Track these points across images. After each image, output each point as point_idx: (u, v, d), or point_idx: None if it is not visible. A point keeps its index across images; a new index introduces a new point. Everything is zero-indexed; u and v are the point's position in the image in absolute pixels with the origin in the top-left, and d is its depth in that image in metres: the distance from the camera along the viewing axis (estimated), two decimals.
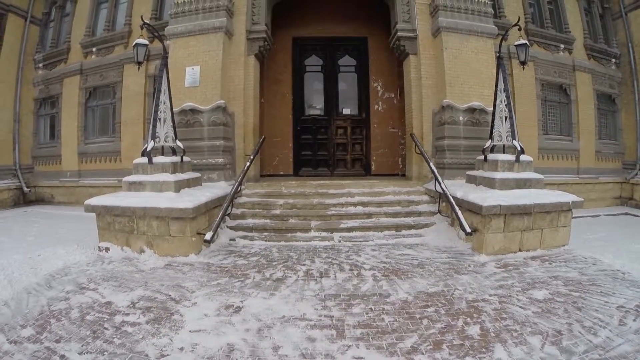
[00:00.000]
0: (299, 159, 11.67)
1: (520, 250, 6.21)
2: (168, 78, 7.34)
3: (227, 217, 7.40)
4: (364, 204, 8.07)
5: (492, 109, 7.62)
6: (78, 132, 12.56)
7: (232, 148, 9.16)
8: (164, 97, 7.18)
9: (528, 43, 8.11)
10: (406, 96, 9.89)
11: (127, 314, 3.93)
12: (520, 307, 4.02)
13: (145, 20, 7.28)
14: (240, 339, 3.41)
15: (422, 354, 3.15)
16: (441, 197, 7.44)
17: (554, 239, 6.47)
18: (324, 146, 11.66)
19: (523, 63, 7.84)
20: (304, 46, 11.87)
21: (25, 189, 13.27)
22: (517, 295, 4.36)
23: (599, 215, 10.54)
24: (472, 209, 6.43)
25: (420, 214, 7.86)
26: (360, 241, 6.91)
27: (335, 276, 5.06)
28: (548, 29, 12.06)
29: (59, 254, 6.07)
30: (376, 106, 11.64)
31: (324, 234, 7.18)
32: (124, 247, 6.27)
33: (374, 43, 11.65)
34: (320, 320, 3.79)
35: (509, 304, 4.09)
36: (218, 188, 7.79)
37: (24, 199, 13.29)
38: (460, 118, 8.67)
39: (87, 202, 6.56)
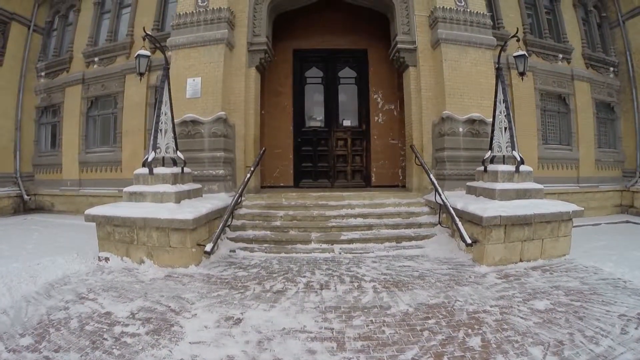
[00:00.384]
0: (300, 171, 11.68)
1: (521, 260, 6.20)
2: (169, 89, 7.38)
3: (227, 229, 7.39)
4: (364, 216, 8.08)
5: (491, 119, 7.64)
6: (79, 141, 12.61)
7: (232, 159, 9.18)
8: (165, 108, 7.23)
9: (527, 54, 8.19)
10: (406, 108, 9.94)
11: (127, 325, 3.91)
12: (522, 317, 4.01)
13: (147, 32, 7.38)
14: (240, 351, 3.39)
15: None
16: (441, 208, 7.44)
17: (555, 249, 6.47)
18: (324, 158, 11.68)
19: (522, 74, 7.90)
20: (305, 58, 11.94)
21: (25, 196, 13.28)
22: (518, 305, 4.34)
23: (600, 224, 10.51)
24: (472, 220, 6.43)
25: (420, 225, 7.85)
26: (360, 253, 6.88)
27: (335, 288, 5.04)
28: (546, 39, 12.17)
29: (58, 263, 6.06)
30: (376, 118, 11.68)
31: (324, 245, 7.16)
32: (123, 257, 6.26)
33: (373, 55, 11.72)
34: (321, 332, 3.77)
35: (510, 315, 4.07)
36: (218, 199, 7.78)
37: (24, 206, 13.29)
38: (460, 129, 8.69)
39: (87, 211, 6.57)
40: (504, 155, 7.35)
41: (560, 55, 12.26)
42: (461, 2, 9.28)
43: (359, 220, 7.93)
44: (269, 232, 7.62)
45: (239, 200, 7.91)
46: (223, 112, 8.76)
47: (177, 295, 4.81)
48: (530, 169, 7.29)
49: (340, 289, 5.01)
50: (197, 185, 7.84)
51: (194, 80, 8.91)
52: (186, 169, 7.58)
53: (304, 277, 5.55)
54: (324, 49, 11.73)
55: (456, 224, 6.55)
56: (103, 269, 5.99)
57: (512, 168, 7.10)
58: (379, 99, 11.72)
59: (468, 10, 9.22)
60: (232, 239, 7.36)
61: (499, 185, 6.90)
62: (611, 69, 13.33)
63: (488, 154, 7.50)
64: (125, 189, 6.98)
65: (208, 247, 6.06)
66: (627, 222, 11.13)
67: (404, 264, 6.23)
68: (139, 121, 11.54)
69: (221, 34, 8.96)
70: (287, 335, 3.69)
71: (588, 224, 9.98)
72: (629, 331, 3.64)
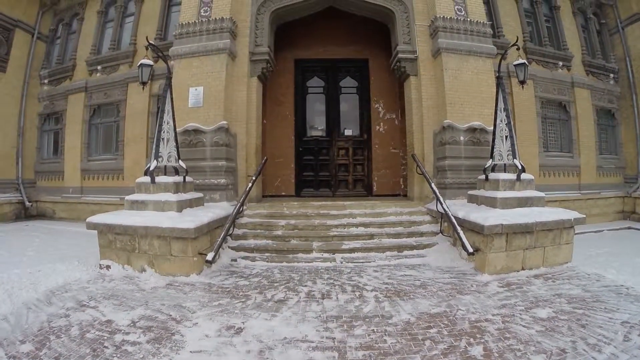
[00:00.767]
0: (301, 180, 11.69)
1: (523, 268, 6.19)
2: (172, 98, 7.44)
3: (228, 238, 7.39)
4: (365, 225, 8.08)
5: (492, 128, 7.68)
6: (81, 148, 12.66)
7: (234, 169, 9.18)
8: (167, 117, 7.27)
9: (527, 62, 8.23)
10: (407, 117, 9.97)
11: (128, 333, 3.90)
12: (524, 326, 3.99)
13: (150, 41, 7.42)
14: None
15: None
16: (443, 217, 7.44)
17: (557, 257, 6.47)
18: (325, 167, 11.70)
19: (522, 82, 7.91)
20: (306, 68, 12.01)
21: (27, 203, 13.30)
22: (521, 314, 4.33)
23: (602, 231, 10.50)
24: (474, 228, 6.43)
25: (422, 234, 7.84)
26: (362, 262, 6.86)
27: (337, 297, 5.02)
28: (546, 47, 12.23)
29: (59, 270, 6.08)
30: (377, 127, 11.72)
31: (325, 254, 7.15)
32: (125, 265, 6.28)
33: (374, 64, 11.79)
34: (322, 342, 3.75)
35: (512, 324, 4.06)
36: (220, 208, 7.78)
37: (25, 213, 13.31)
38: (461, 138, 8.69)
39: (89, 219, 6.59)
40: (505, 164, 7.36)
41: (560, 63, 12.32)
42: (461, 12, 9.34)
43: (361, 230, 7.94)
44: (270, 241, 7.61)
45: (241, 209, 7.93)
46: (225, 122, 8.79)
47: (178, 304, 4.80)
48: (532, 176, 7.31)
49: (341, 298, 4.99)
50: (199, 194, 7.86)
51: (196, 89, 8.95)
52: (188, 178, 7.60)
53: (306, 286, 5.54)
54: (326, 58, 11.82)
55: (458, 233, 6.55)
56: (104, 277, 5.99)
57: (513, 176, 7.12)
58: (380, 108, 11.77)
59: (468, 19, 9.28)
60: (233, 248, 7.35)
61: (500, 194, 6.91)
62: (611, 75, 13.39)
63: (489, 163, 7.51)
64: (127, 197, 7.02)
65: (209, 256, 6.05)
66: (630, 228, 11.12)
67: (406, 273, 6.21)
68: (141, 129, 11.58)
69: (223, 43, 9.02)
70: (288, 345, 3.67)
71: (590, 231, 9.97)
72: (631, 338, 3.63)
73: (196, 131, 8.73)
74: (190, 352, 3.53)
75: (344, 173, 11.73)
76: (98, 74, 12.73)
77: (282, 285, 5.57)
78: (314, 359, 3.40)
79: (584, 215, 6.84)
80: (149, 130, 11.39)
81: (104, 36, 13.14)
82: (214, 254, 6.14)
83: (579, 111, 12.32)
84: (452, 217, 6.93)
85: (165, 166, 7.27)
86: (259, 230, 7.98)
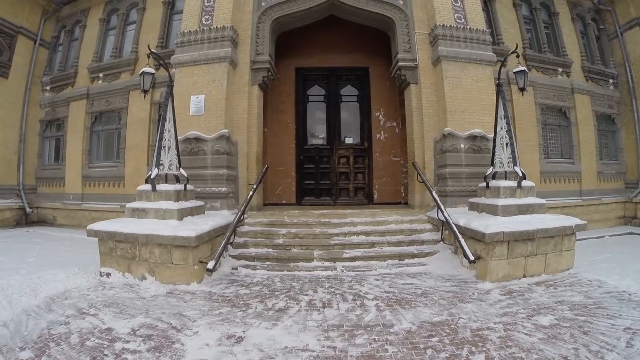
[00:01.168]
0: (302, 188, 11.68)
1: (524, 276, 6.18)
2: (173, 106, 7.47)
3: (229, 246, 7.38)
4: (366, 233, 8.07)
5: (492, 135, 7.70)
6: (82, 155, 12.68)
7: (235, 177, 9.20)
8: (168, 125, 7.30)
9: (526, 69, 8.26)
10: (407, 125, 9.98)
11: (128, 341, 3.89)
12: (526, 334, 3.98)
13: (152, 49, 7.46)
14: None
15: None
16: (444, 225, 7.43)
17: (559, 263, 6.46)
18: (326, 175, 11.69)
19: (522, 89, 7.92)
20: (307, 76, 12.05)
21: (27, 209, 13.30)
22: (523, 322, 4.31)
23: (604, 236, 10.45)
24: (475, 236, 6.42)
25: (423, 242, 7.82)
26: (363, 271, 6.83)
27: (338, 306, 5.00)
28: (546, 54, 12.30)
29: (59, 277, 6.07)
30: (378, 135, 11.73)
31: (326, 263, 7.12)
32: (125, 273, 6.27)
33: (375, 73, 11.83)
34: (323, 351, 3.74)
35: (514, 331, 4.04)
36: (221, 217, 7.77)
37: (26, 219, 13.30)
38: (462, 146, 8.70)
39: (89, 226, 6.60)
40: (505, 171, 7.37)
41: (560, 69, 12.37)
42: (461, 19, 9.40)
43: (362, 238, 7.92)
44: (271, 250, 7.60)
45: (242, 217, 7.94)
46: (226, 130, 8.81)
47: (178, 312, 4.79)
48: (532, 184, 7.32)
49: (342, 307, 4.97)
50: (200, 203, 7.86)
51: (197, 97, 8.99)
52: (189, 186, 7.61)
53: (306, 295, 5.51)
54: (326, 67, 11.86)
55: (459, 241, 6.54)
56: (104, 285, 6.00)
57: (514, 184, 7.13)
58: (380, 116, 11.79)
59: (468, 27, 9.33)
60: (234, 257, 7.34)
61: (501, 201, 6.91)
62: (611, 80, 13.44)
63: (490, 170, 7.52)
64: (128, 205, 7.03)
65: (210, 265, 6.04)
66: (631, 233, 11.09)
67: (407, 281, 6.18)
68: (142, 137, 11.60)
69: (224, 52, 9.08)
70: (289, 354, 3.66)
71: (592, 237, 9.93)
72: (634, 344, 3.63)
73: (197, 139, 8.75)
74: None
75: (344, 181, 11.72)
76: (100, 82, 12.78)
77: (283, 294, 5.55)
78: None
79: (585, 222, 6.85)
80: (150, 138, 11.41)
81: (106, 44, 13.22)
82: (214, 262, 6.13)
83: (579, 117, 12.34)
84: (453, 225, 6.92)
85: (167, 174, 7.29)
86: (259, 239, 7.96)
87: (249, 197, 8.30)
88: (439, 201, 7.73)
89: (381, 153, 11.67)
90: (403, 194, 11.26)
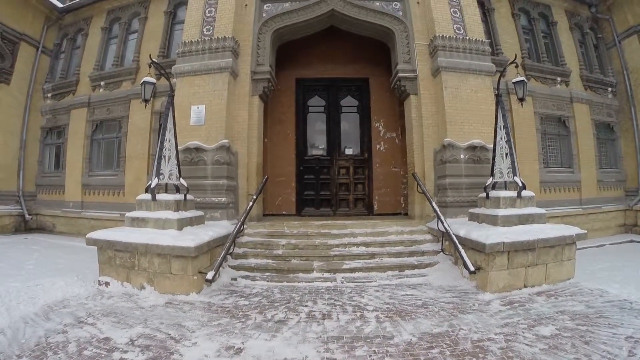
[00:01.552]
0: (302, 199, 11.67)
1: (525, 286, 6.16)
2: (174, 116, 7.50)
3: (229, 257, 7.36)
4: (366, 244, 8.03)
5: (492, 146, 7.70)
6: (83, 163, 12.68)
7: (235, 187, 9.19)
8: (169, 135, 7.32)
9: (525, 79, 8.27)
10: (407, 136, 10.01)
11: (126, 352, 3.87)
12: (527, 344, 3.96)
13: (153, 58, 7.51)
14: None
15: None
16: (444, 235, 7.42)
17: (559, 273, 6.45)
18: (326, 186, 11.69)
19: (521, 100, 7.91)
20: (307, 87, 12.11)
21: (27, 216, 13.26)
22: (523, 332, 4.29)
23: (604, 245, 10.42)
24: (475, 247, 6.41)
25: (423, 253, 7.79)
26: (363, 282, 6.80)
27: (337, 318, 4.97)
28: (544, 63, 12.36)
29: (58, 285, 6.05)
30: (378, 146, 11.74)
31: (326, 274, 7.08)
32: (124, 282, 6.26)
33: (375, 83, 11.88)
34: None
35: (515, 342, 4.02)
36: (220, 227, 7.77)
37: (25, 226, 13.26)
38: (461, 156, 8.71)
39: (89, 235, 6.60)
40: (505, 181, 7.37)
41: (559, 79, 12.43)
42: (460, 30, 9.47)
43: (362, 249, 7.88)
44: (270, 261, 7.57)
45: (241, 228, 7.92)
46: (226, 140, 8.83)
47: (177, 322, 4.76)
48: (532, 193, 7.33)
49: (342, 318, 4.94)
50: (200, 213, 7.85)
51: (198, 107, 9.02)
52: (189, 196, 7.61)
53: (306, 306, 5.48)
54: (326, 77, 11.91)
55: (459, 252, 6.52)
56: (103, 294, 5.98)
57: (514, 194, 7.13)
58: (380, 127, 11.82)
59: (467, 37, 9.41)
60: (233, 267, 7.31)
61: (501, 212, 6.91)
62: (609, 89, 13.50)
63: (490, 180, 7.51)
64: (128, 214, 7.04)
65: (209, 275, 6.02)
66: (632, 241, 11.06)
67: (407, 292, 6.15)
68: (142, 146, 11.61)
69: (225, 62, 9.13)
70: None
71: (592, 246, 9.92)
72: (636, 353, 3.62)
73: (197, 149, 8.77)
74: None
75: (344, 192, 11.72)
76: (101, 90, 12.84)
77: (283, 305, 5.52)
78: None
79: (585, 231, 6.87)
80: (150, 147, 11.42)
81: (108, 52, 13.32)
82: (214, 273, 6.12)
83: (579, 126, 12.38)
84: (453, 236, 6.91)
85: (167, 184, 7.30)
86: (259, 250, 7.93)
87: (248, 207, 8.29)
88: (439, 212, 7.71)
89: (381, 164, 11.67)
90: (403, 205, 11.25)
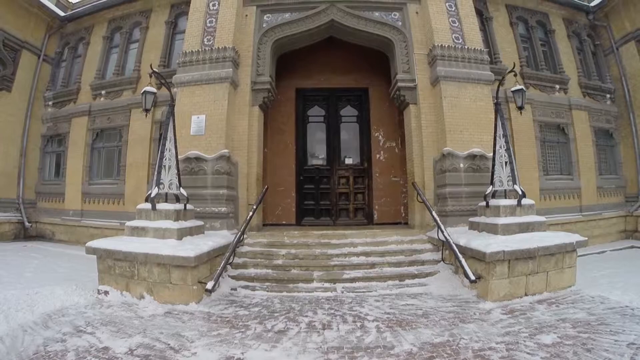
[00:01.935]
0: (302, 209, 11.67)
1: (526, 294, 6.13)
2: (174, 126, 7.52)
3: (228, 266, 7.34)
4: (366, 254, 7.99)
5: (492, 154, 7.72)
6: (83, 172, 12.70)
7: (235, 197, 9.19)
8: (169, 144, 7.34)
9: (524, 87, 8.35)
10: (407, 145, 10.03)
11: None
12: (528, 353, 3.93)
13: (154, 68, 7.56)
14: None
15: None
16: (444, 245, 7.40)
17: (560, 281, 6.43)
18: (326, 196, 11.69)
19: (520, 108, 7.94)
20: (307, 97, 12.17)
21: (26, 223, 13.24)
22: (525, 341, 4.26)
23: (605, 251, 10.40)
24: (475, 256, 6.39)
25: (423, 262, 7.76)
26: (363, 292, 6.77)
27: (338, 328, 4.94)
28: (543, 71, 12.43)
29: (57, 294, 6.02)
30: (378, 155, 11.76)
31: (326, 284, 7.05)
32: (123, 291, 6.24)
33: (374, 93, 11.94)
34: None
35: (517, 351, 3.99)
36: (220, 237, 7.77)
37: (24, 233, 13.24)
38: (461, 165, 8.71)
39: (88, 244, 6.60)
40: (505, 189, 7.37)
41: (557, 86, 12.49)
42: (459, 40, 9.54)
43: (362, 259, 7.84)
44: (270, 271, 7.54)
45: (241, 238, 7.89)
46: (226, 150, 8.85)
47: (176, 332, 4.73)
48: (532, 202, 7.33)
49: (342, 328, 4.91)
50: (200, 222, 7.85)
51: (198, 117, 9.05)
52: (189, 206, 7.60)
53: (306, 316, 5.45)
54: (326, 87, 11.97)
55: (459, 261, 6.50)
56: (102, 303, 5.96)
57: (513, 202, 7.13)
58: (380, 136, 11.84)
59: (466, 47, 9.47)
60: (233, 277, 7.27)
61: (502, 220, 6.91)
62: (608, 95, 13.55)
63: (489, 189, 7.52)
64: (128, 224, 7.05)
65: (209, 285, 6.00)
66: (632, 247, 11.06)
67: (408, 302, 6.12)
68: (143, 155, 11.64)
69: (226, 72, 9.18)
70: None
71: (593, 252, 9.89)
72: (638, 359, 3.57)
73: (198, 159, 8.78)
74: None
75: (344, 202, 11.72)
76: (102, 99, 12.90)
77: (283, 316, 5.49)
78: None
79: (586, 238, 6.86)
80: (150, 156, 11.45)
81: (109, 61, 13.40)
82: (214, 282, 6.10)
83: (578, 133, 12.42)
84: (454, 245, 6.89)
85: (167, 193, 7.30)
86: (259, 259, 7.91)
87: (248, 217, 8.28)
88: (439, 221, 7.70)
89: (381, 173, 11.68)
90: (403, 214, 11.24)
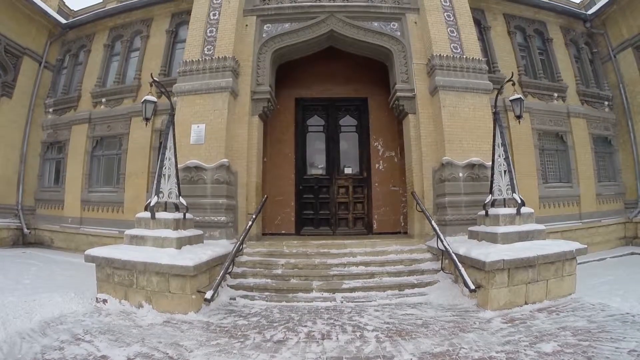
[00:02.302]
0: (301, 218, 11.67)
1: (526, 303, 6.12)
2: (174, 135, 7.53)
3: (228, 276, 7.32)
4: (366, 264, 7.97)
5: (491, 163, 7.74)
6: (82, 179, 12.70)
7: (234, 206, 9.18)
8: (169, 153, 7.35)
9: (522, 96, 8.38)
10: (406, 154, 10.05)
11: None
12: None
13: (154, 77, 7.56)
14: None
15: None
16: (444, 254, 7.39)
17: (560, 289, 6.42)
18: (325, 205, 11.70)
19: (519, 117, 7.97)
20: (307, 106, 12.22)
21: (25, 230, 13.21)
22: (525, 350, 4.25)
23: (605, 258, 10.40)
24: (475, 265, 6.38)
25: (423, 272, 7.74)
26: (362, 301, 6.74)
27: (337, 338, 4.91)
28: (541, 79, 12.52)
29: (55, 301, 6.01)
30: (377, 165, 11.79)
31: (325, 294, 7.03)
32: (122, 300, 6.21)
33: (374, 103, 12.00)
34: None
35: None
36: (220, 246, 7.76)
37: (23, 240, 13.20)
38: (460, 174, 8.72)
39: (87, 252, 6.59)
40: (504, 198, 7.38)
41: (556, 94, 12.58)
42: (457, 49, 9.60)
43: (361, 269, 7.83)
44: (269, 280, 7.51)
45: (240, 247, 7.88)
46: (226, 159, 8.87)
47: (175, 342, 4.71)
48: (532, 210, 7.34)
49: (342, 338, 4.88)
50: (199, 232, 7.84)
51: (198, 126, 9.08)
52: (188, 215, 7.59)
53: (305, 326, 5.43)
54: (326, 97, 12.05)
55: (459, 270, 6.48)
56: (100, 311, 5.94)
57: (513, 211, 7.14)
58: (379, 146, 11.88)
59: (464, 56, 9.52)
60: (232, 287, 7.25)
61: (501, 229, 6.91)
62: (606, 102, 13.63)
63: (489, 198, 7.52)
64: (127, 232, 7.04)
65: (208, 295, 5.98)
66: (632, 254, 11.05)
67: (407, 312, 6.10)
68: (142, 163, 11.65)
69: (226, 82, 9.23)
70: None
71: (593, 260, 9.88)
72: None
73: (197, 168, 8.79)
74: None
75: (344, 211, 11.72)
76: (102, 106, 12.96)
77: (282, 325, 5.46)
78: None
79: (585, 246, 6.88)
80: (150, 165, 11.47)
81: (110, 69, 13.49)
82: (212, 292, 6.07)
83: (576, 140, 12.48)
84: (453, 254, 6.88)
85: (166, 202, 7.30)
86: (258, 269, 7.89)
87: (248, 227, 8.26)
88: (438, 230, 7.68)
89: (380, 183, 11.70)
90: (402, 224, 11.24)
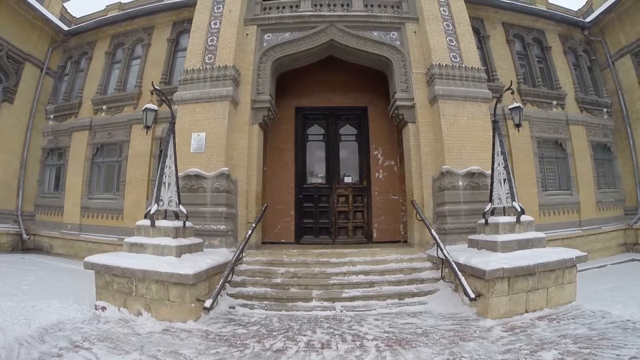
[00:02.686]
0: (301, 227, 11.65)
1: (526, 311, 6.10)
2: (174, 143, 7.55)
3: (227, 285, 7.29)
4: (366, 273, 7.95)
5: (490, 172, 7.74)
6: (82, 186, 12.71)
7: (234, 215, 9.18)
8: (169, 161, 7.37)
9: (521, 104, 8.39)
10: (406, 163, 10.07)
11: None
12: None
13: (155, 85, 7.60)
14: None
15: None
16: (444, 263, 7.37)
17: (561, 296, 6.40)
18: (325, 214, 11.69)
19: (518, 126, 7.97)
20: (307, 116, 12.27)
21: (24, 236, 13.16)
22: (526, 358, 4.24)
23: (605, 265, 10.40)
24: (475, 273, 6.36)
25: (423, 281, 7.72)
26: (362, 311, 6.71)
27: (337, 347, 4.88)
28: (540, 88, 12.61)
29: (54, 308, 6.00)
30: (377, 174, 11.80)
31: (325, 303, 7.00)
32: (121, 308, 6.18)
33: (373, 112, 12.04)
34: None
35: None
36: (219, 255, 7.74)
37: (22, 245, 13.16)
38: (460, 183, 8.73)
39: (87, 259, 6.58)
40: (504, 207, 7.38)
41: (555, 102, 12.64)
42: (456, 58, 9.66)
43: (361, 277, 7.81)
44: (269, 289, 7.48)
45: (240, 256, 7.86)
46: (226, 168, 8.88)
47: (174, 350, 4.69)
48: (531, 218, 7.33)
49: (342, 348, 4.85)
50: (199, 240, 7.83)
51: (198, 135, 9.11)
52: (188, 223, 7.58)
53: (305, 335, 5.40)
54: (325, 106, 12.09)
55: (459, 279, 6.47)
56: (99, 318, 5.91)
57: (512, 219, 7.14)
58: (379, 155, 11.90)
59: (463, 65, 9.59)
60: (231, 295, 7.23)
61: (501, 237, 6.90)
62: (605, 109, 13.68)
63: (488, 206, 7.52)
64: (126, 240, 7.03)
65: (207, 303, 5.96)
66: (633, 260, 11.04)
67: (407, 321, 6.07)
68: (142, 171, 11.68)
69: (226, 91, 9.29)
70: None
71: (593, 267, 9.86)
72: None
73: (197, 176, 8.81)
74: None
75: (343, 220, 11.71)
76: (103, 114, 13.02)
77: (281, 334, 5.43)
78: None
79: (585, 253, 6.88)
80: (150, 172, 11.50)
81: (111, 77, 13.57)
82: (212, 301, 6.05)
83: (576, 148, 12.51)
84: (453, 263, 6.86)
85: (166, 210, 7.30)
86: (258, 278, 7.87)
87: (247, 235, 8.26)
88: (438, 239, 7.68)
89: (380, 192, 11.71)
90: (402, 232, 11.23)
